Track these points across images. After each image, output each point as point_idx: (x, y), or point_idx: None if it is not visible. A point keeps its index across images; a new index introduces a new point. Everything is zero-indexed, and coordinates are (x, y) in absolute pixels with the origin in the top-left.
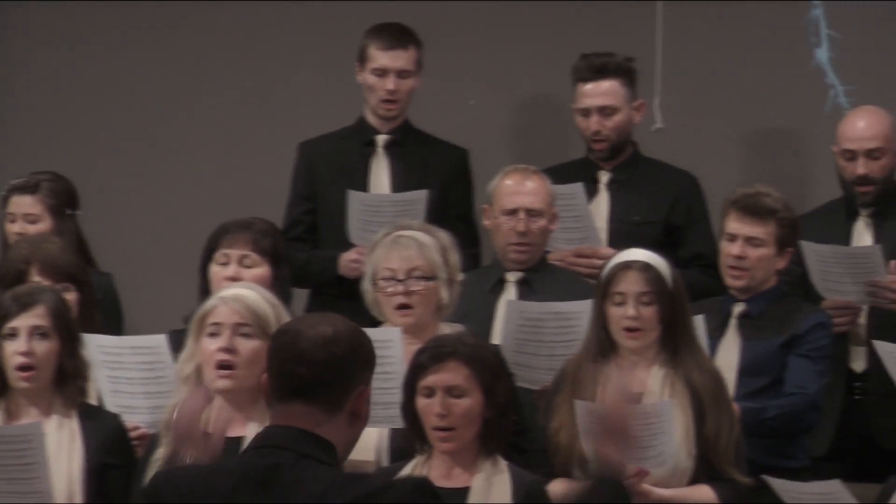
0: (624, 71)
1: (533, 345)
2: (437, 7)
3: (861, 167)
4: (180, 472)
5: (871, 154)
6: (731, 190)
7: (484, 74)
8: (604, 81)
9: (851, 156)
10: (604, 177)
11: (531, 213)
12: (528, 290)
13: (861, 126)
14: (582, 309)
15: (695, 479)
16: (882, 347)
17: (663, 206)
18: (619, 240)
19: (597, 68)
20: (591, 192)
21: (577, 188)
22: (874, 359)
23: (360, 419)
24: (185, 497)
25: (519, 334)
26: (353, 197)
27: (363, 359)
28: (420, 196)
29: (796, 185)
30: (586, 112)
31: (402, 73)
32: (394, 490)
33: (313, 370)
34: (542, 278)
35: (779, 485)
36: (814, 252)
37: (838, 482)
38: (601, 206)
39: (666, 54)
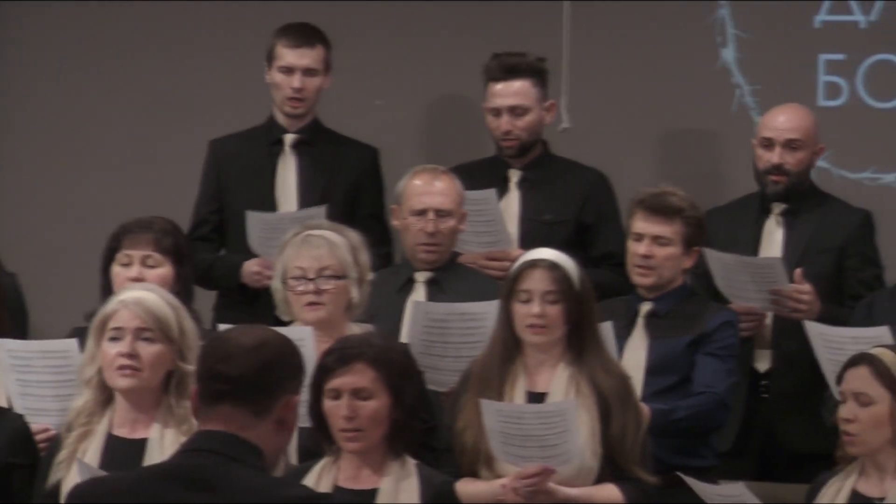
0: (535, 71)
1: (440, 346)
2: (348, 7)
3: (777, 156)
4: (104, 478)
5: (788, 144)
6: (638, 189)
7: (394, 74)
8: (515, 81)
9: (769, 143)
10: (514, 176)
11: (440, 213)
12: (437, 289)
13: (782, 118)
14: (488, 309)
15: (600, 479)
16: (812, 328)
17: (574, 205)
18: (531, 239)
19: (508, 68)
20: (502, 191)
21: (490, 194)
22: (778, 359)
23: (287, 428)
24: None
25: (425, 336)
26: (252, 217)
27: (292, 367)
28: (319, 212)
29: (704, 183)
30: (497, 112)
31: (308, 72)
32: (324, 499)
33: (241, 370)
34: (452, 278)
35: (695, 483)
36: (717, 259)
37: (742, 485)
38: (512, 205)
39: (573, 54)
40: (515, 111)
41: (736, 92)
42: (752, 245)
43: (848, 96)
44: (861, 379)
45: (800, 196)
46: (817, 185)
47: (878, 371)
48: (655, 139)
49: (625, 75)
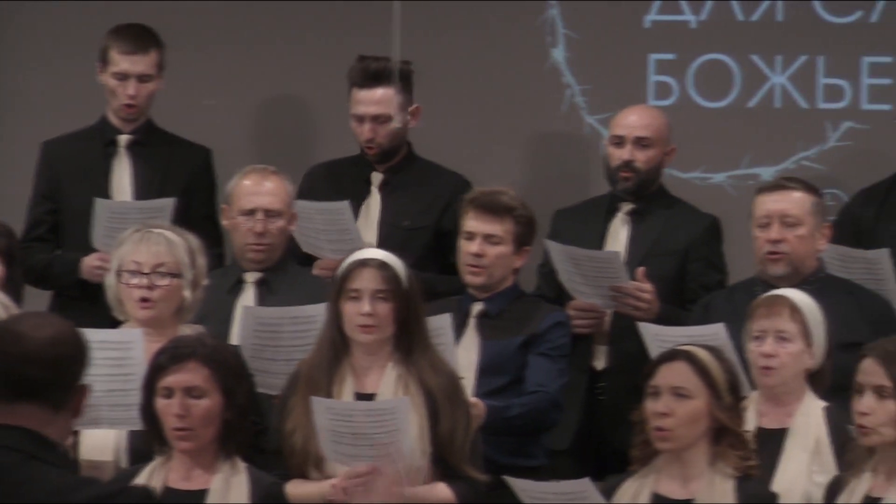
0: (400, 76)
1: (271, 350)
2: (181, 7)
3: (627, 153)
4: None
5: (639, 142)
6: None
7: (226, 74)
8: (378, 89)
9: (619, 141)
10: (376, 178)
11: (269, 213)
12: (266, 290)
13: (634, 117)
14: (318, 312)
15: (430, 479)
16: (646, 329)
17: (434, 212)
18: (389, 245)
19: (371, 75)
20: (364, 193)
21: (343, 206)
22: (615, 359)
23: (77, 415)
24: None
25: (256, 339)
26: (100, 204)
27: (84, 357)
28: (167, 203)
29: (534, 183)
30: (360, 118)
31: (142, 78)
32: (123, 496)
33: (43, 371)
34: (281, 279)
35: (522, 485)
36: (559, 252)
37: (587, 481)
38: (373, 208)
39: (404, 54)
40: (378, 119)
41: (566, 92)
42: (597, 244)
43: (678, 96)
44: (679, 373)
45: (648, 196)
46: (667, 189)
47: (697, 366)
48: (486, 138)
49: (455, 75)
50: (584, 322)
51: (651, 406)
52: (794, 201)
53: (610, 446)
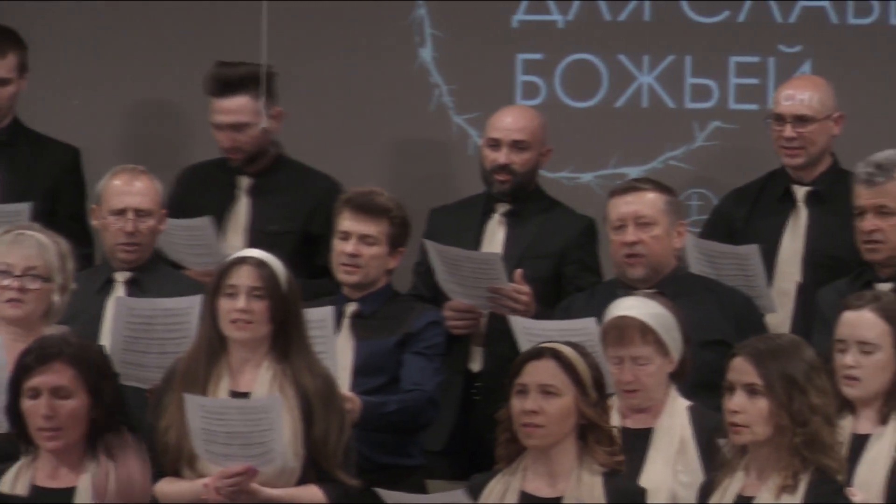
0: (256, 82)
1: (144, 342)
2: (47, 7)
3: (503, 156)
4: None
5: (515, 145)
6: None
7: (95, 74)
8: (234, 98)
9: (495, 144)
10: (244, 182)
11: (140, 213)
12: (137, 289)
13: (510, 119)
14: (191, 304)
15: (303, 481)
16: (516, 323)
17: (301, 216)
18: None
19: (225, 83)
20: (231, 198)
21: (205, 222)
22: (490, 360)
23: None
24: None
25: (129, 332)
26: None
27: None
28: (23, 208)
29: (402, 183)
30: (219, 127)
31: (2, 81)
32: None
33: None
34: (152, 278)
35: (395, 497)
36: (437, 252)
37: (461, 492)
38: (240, 213)
39: (271, 55)
40: (236, 127)
41: (434, 92)
42: (473, 245)
43: (545, 96)
44: (546, 371)
45: (525, 198)
46: (544, 190)
47: (563, 363)
48: (354, 139)
49: (324, 76)
50: (460, 323)
51: (519, 404)
52: (647, 202)
53: (485, 447)
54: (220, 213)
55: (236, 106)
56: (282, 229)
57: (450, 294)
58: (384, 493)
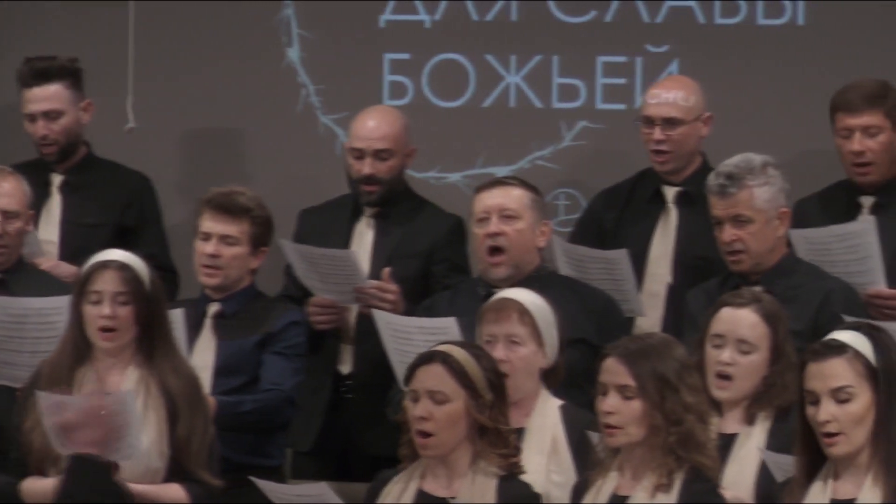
0: (68, 73)
1: (16, 342)
2: None
3: (368, 166)
4: None
5: (378, 154)
6: (202, 188)
7: None
8: (48, 86)
9: (359, 154)
10: (56, 179)
11: (7, 214)
12: (4, 290)
13: (371, 126)
14: (62, 304)
15: (168, 481)
16: (380, 317)
17: (116, 208)
18: (73, 243)
19: (39, 72)
20: (44, 195)
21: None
22: (360, 361)
23: None
24: None
25: (1, 331)
26: None
27: None
28: None
29: (270, 183)
30: (32, 117)
31: None
32: None
33: None
34: (20, 279)
35: (265, 486)
36: (293, 251)
37: (325, 484)
38: (53, 209)
39: (139, 53)
40: (50, 115)
41: (301, 91)
42: (342, 245)
43: (413, 96)
44: (434, 376)
45: (394, 199)
46: (412, 189)
47: (453, 368)
48: (225, 139)
49: (191, 75)
50: (323, 318)
51: (411, 410)
52: (512, 196)
53: (355, 448)
54: (35, 209)
55: (49, 93)
56: (96, 222)
57: (312, 290)
58: (259, 482)
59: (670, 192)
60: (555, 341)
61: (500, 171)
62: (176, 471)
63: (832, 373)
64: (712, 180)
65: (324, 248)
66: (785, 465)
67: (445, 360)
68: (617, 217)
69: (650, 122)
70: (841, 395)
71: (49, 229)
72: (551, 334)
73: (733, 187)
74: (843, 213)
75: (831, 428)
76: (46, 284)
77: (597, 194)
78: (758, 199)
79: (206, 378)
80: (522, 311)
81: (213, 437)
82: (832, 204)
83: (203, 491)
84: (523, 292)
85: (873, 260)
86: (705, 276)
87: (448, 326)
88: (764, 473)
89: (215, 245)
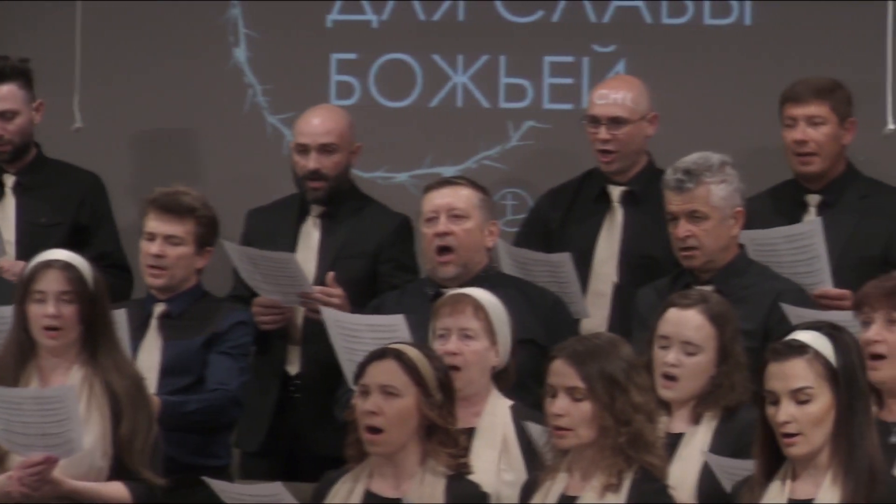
0: (20, 73)
1: None
2: None
3: (313, 162)
4: None
5: (324, 149)
6: (148, 188)
7: None
8: (1, 86)
9: (304, 150)
10: (9, 180)
11: None
12: None
13: (316, 122)
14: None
15: (110, 479)
16: (328, 315)
17: (69, 207)
18: (29, 243)
19: None
20: None
21: None
22: (308, 360)
23: None
24: None
25: None
26: None
27: None
28: None
29: (217, 183)
30: None
31: None
32: None
33: None
34: None
35: (219, 486)
36: (236, 252)
37: (279, 484)
38: (8, 209)
39: (85, 53)
40: (6, 115)
41: (248, 91)
42: (289, 246)
43: (360, 95)
44: (387, 371)
45: (340, 198)
46: (358, 188)
47: (406, 364)
48: (163, 139)
49: (138, 75)
50: (268, 318)
51: (361, 405)
52: (461, 196)
53: (304, 448)
54: None
55: (3, 94)
56: (52, 221)
57: (257, 290)
58: (211, 482)
59: (616, 192)
60: (507, 341)
61: (447, 171)
62: (119, 470)
63: (792, 373)
64: (670, 175)
65: (265, 251)
66: (728, 468)
67: (398, 356)
68: (562, 217)
69: (596, 121)
70: (801, 396)
71: (6, 230)
72: (504, 333)
73: (691, 182)
74: (789, 212)
75: (791, 429)
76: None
77: (542, 194)
78: (714, 196)
79: (152, 378)
80: (477, 307)
81: (156, 436)
82: (779, 202)
83: (146, 490)
84: (479, 290)
85: (820, 260)
86: (651, 275)
87: (396, 324)
88: (706, 474)
89: (160, 245)
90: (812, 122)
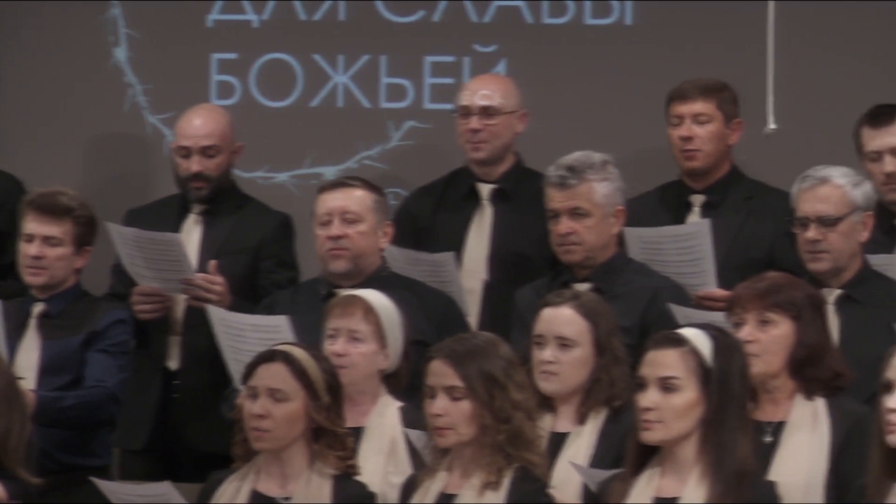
0: None
1: None
2: None
3: (195, 164)
4: None
5: (205, 151)
6: (27, 188)
7: None
8: None
9: (186, 152)
10: None
11: None
12: None
13: (197, 123)
14: None
15: None
16: (214, 313)
17: None
18: None
19: None
20: None
21: None
22: (188, 357)
23: None
24: None
25: None
26: None
27: None
28: None
29: (97, 183)
30: None
31: None
32: None
33: None
34: None
35: (106, 486)
36: (122, 235)
37: (168, 484)
38: None
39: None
40: None
41: (128, 91)
42: None
43: (241, 95)
44: (275, 375)
45: (221, 197)
46: (238, 187)
47: (294, 367)
48: (47, 138)
49: (17, 74)
50: (147, 307)
51: (249, 407)
52: (355, 198)
53: (186, 446)
54: None
55: None
56: None
57: (137, 279)
58: (99, 482)
59: (485, 190)
60: (399, 344)
61: (328, 171)
62: None
63: (664, 362)
64: (552, 172)
65: (151, 232)
66: (595, 477)
67: (287, 359)
68: (431, 215)
69: (467, 111)
70: (667, 384)
71: None
72: (395, 336)
73: (574, 179)
74: (673, 211)
75: (651, 416)
76: None
77: (411, 193)
78: (596, 194)
79: (31, 377)
80: (368, 310)
81: (30, 434)
82: (663, 202)
83: (20, 489)
84: (373, 293)
85: (706, 262)
86: (521, 272)
87: (280, 325)
88: None
89: (38, 246)
90: (698, 119)
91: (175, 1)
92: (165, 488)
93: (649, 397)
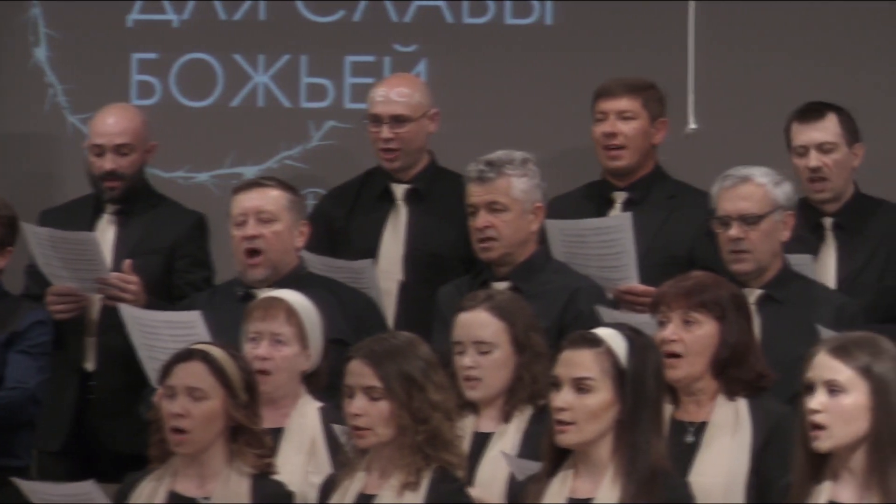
0: None
1: None
2: None
3: (109, 162)
4: None
5: (119, 149)
6: None
7: None
8: None
9: (100, 150)
10: None
11: None
12: None
13: (110, 121)
14: None
15: None
16: (126, 311)
17: None
18: None
19: None
20: None
21: None
22: (104, 357)
23: None
24: None
25: None
26: None
27: None
28: None
29: (13, 184)
30: None
31: None
32: None
33: None
34: None
35: (29, 486)
36: (36, 235)
37: (92, 483)
38: None
39: None
40: None
41: (49, 91)
42: None
43: (161, 95)
44: (194, 373)
45: (134, 197)
46: (152, 186)
47: (212, 366)
48: None
49: None
50: (63, 307)
51: (167, 406)
52: (269, 198)
53: (103, 446)
54: None
55: None
56: None
57: (52, 279)
58: (21, 483)
59: (399, 190)
60: (319, 344)
61: (249, 171)
62: None
63: (579, 362)
64: (472, 167)
65: (66, 231)
66: (525, 469)
67: (205, 357)
68: (346, 216)
69: (378, 120)
70: (581, 385)
71: None
72: (316, 337)
73: (492, 173)
74: (596, 208)
75: (565, 416)
76: None
77: (325, 194)
78: (515, 189)
79: None
80: (290, 312)
81: None
82: (586, 199)
83: None
84: (292, 293)
85: (627, 255)
86: (437, 273)
87: (193, 320)
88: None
89: None
90: (622, 116)
91: (95, 1)
92: (89, 487)
93: (563, 397)
